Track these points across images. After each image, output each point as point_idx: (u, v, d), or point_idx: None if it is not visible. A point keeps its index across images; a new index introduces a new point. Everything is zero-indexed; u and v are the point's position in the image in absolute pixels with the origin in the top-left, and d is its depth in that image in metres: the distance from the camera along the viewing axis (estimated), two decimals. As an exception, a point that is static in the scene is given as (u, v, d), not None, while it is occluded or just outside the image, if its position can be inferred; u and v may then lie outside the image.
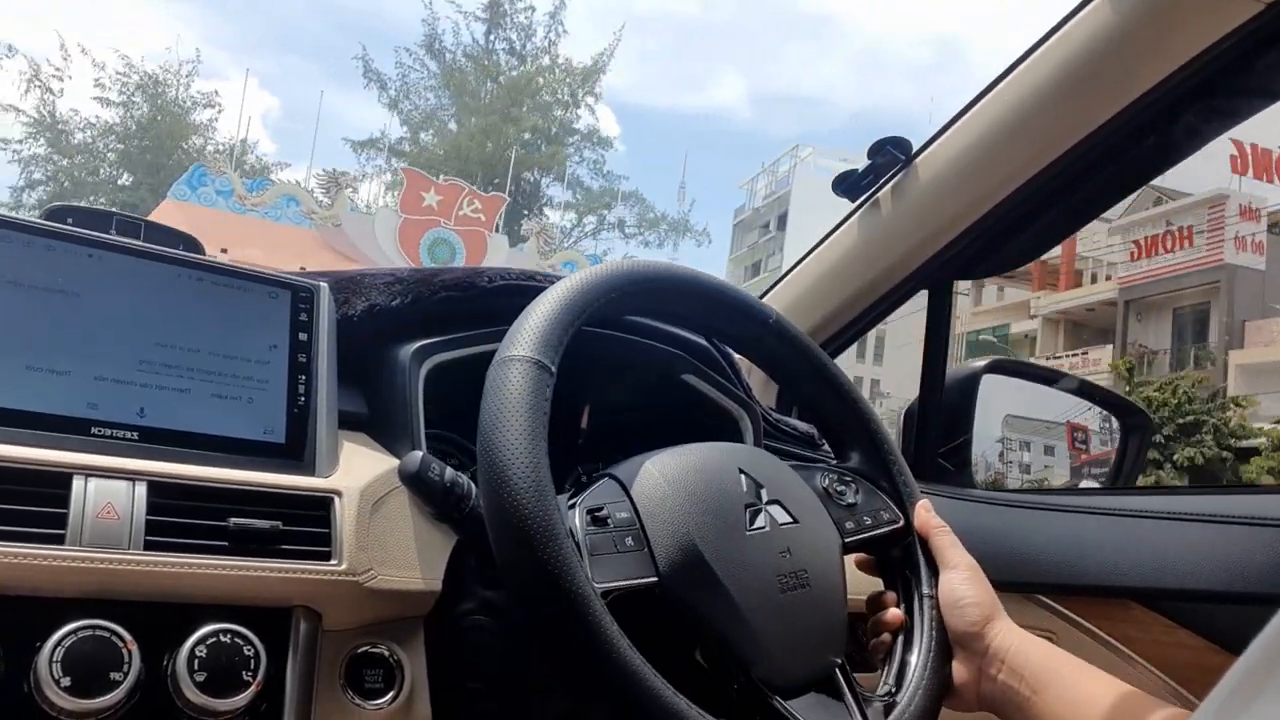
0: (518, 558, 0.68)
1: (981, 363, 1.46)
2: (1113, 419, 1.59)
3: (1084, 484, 1.74)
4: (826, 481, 0.91)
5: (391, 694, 0.80)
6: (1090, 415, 1.64)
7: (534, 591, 0.68)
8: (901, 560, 0.91)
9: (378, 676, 0.80)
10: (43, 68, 24.84)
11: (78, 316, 0.78)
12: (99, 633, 0.66)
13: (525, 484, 0.69)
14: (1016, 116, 1.19)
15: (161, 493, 0.73)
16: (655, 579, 0.75)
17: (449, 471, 0.82)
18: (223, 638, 0.71)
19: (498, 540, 0.70)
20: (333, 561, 0.77)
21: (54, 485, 0.69)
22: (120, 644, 0.67)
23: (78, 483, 0.70)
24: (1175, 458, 18.36)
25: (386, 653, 0.81)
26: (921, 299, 1.42)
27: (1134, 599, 1.13)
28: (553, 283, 0.82)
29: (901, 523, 0.92)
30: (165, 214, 15.99)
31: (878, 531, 0.90)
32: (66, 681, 0.64)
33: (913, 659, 0.85)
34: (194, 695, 0.68)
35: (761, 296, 1.53)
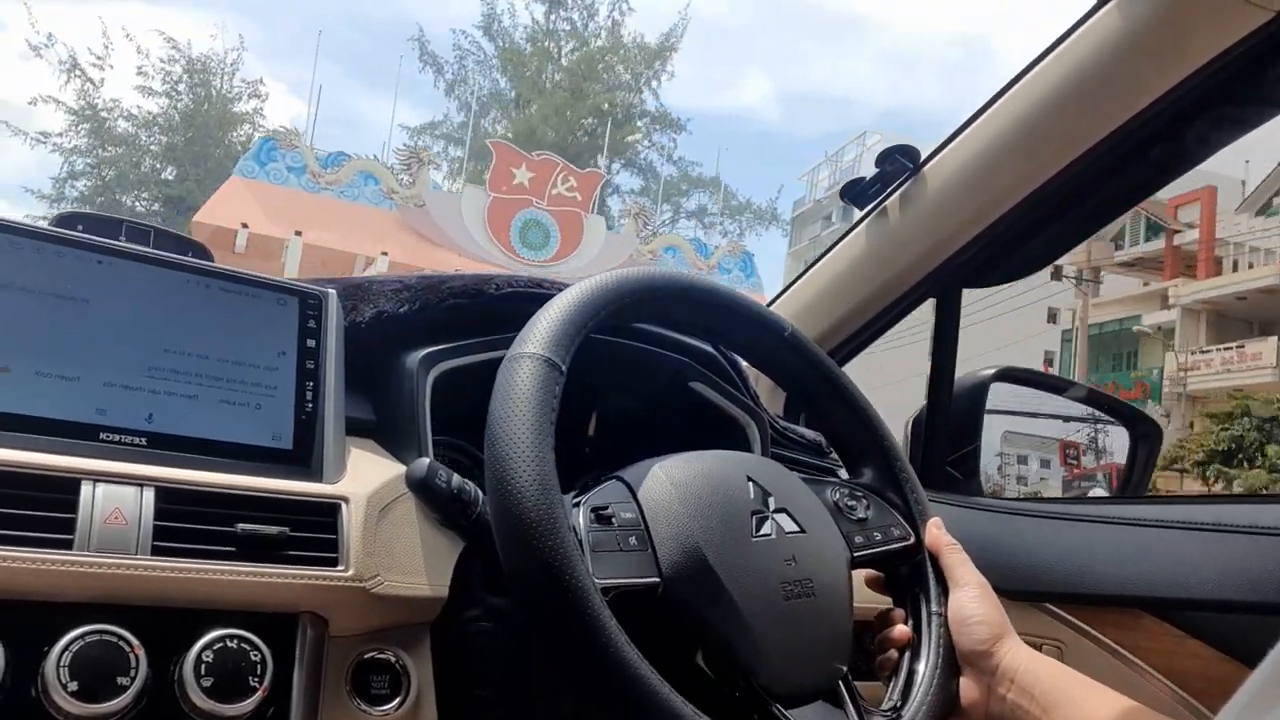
0: (519, 550, 0.68)
1: (990, 371, 1.46)
2: (1122, 428, 1.59)
3: (1093, 492, 1.74)
4: (837, 496, 0.91)
5: (398, 700, 0.80)
6: (1098, 424, 1.64)
7: (533, 583, 0.68)
8: (911, 577, 0.91)
9: (384, 683, 0.80)
10: (82, 56, 23.81)
11: (87, 322, 0.78)
12: (106, 637, 0.67)
13: (529, 476, 0.69)
14: (1025, 125, 1.19)
15: (169, 498, 0.73)
16: (658, 580, 0.75)
17: (456, 478, 0.82)
18: (229, 643, 0.71)
19: (500, 531, 0.70)
20: (339, 567, 0.77)
21: (63, 490, 0.69)
22: (127, 649, 0.67)
23: (86, 488, 0.70)
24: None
25: (393, 659, 0.81)
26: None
27: (1143, 608, 1.12)
28: (561, 290, 0.82)
29: (912, 540, 0.91)
30: (232, 193, 15.13)
31: (888, 548, 0.90)
32: (74, 686, 0.64)
33: (919, 675, 0.84)
34: (201, 700, 0.68)
35: (769, 304, 1.53)
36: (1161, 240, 23.94)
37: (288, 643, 0.75)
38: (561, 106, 24.86)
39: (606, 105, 25.46)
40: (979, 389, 1.44)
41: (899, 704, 0.82)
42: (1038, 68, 1.16)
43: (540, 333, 0.76)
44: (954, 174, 1.28)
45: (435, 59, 26.10)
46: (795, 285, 1.51)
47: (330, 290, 0.92)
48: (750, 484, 0.84)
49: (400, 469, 0.86)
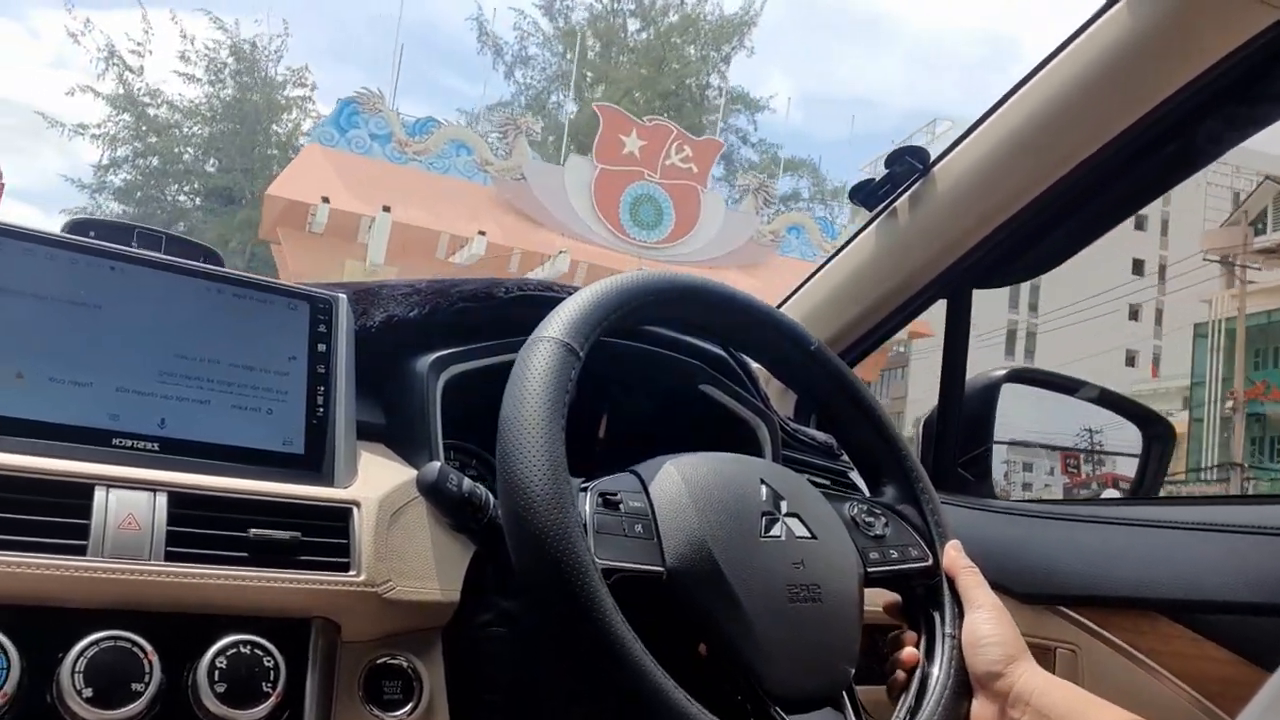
0: (522, 521, 0.69)
1: (1001, 371, 1.45)
2: (1135, 428, 1.58)
3: (1105, 494, 1.73)
4: (855, 511, 0.91)
5: (410, 705, 0.80)
6: (1111, 426, 1.63)
7: (534, 556, 0.68)
8: (926, 598, 0.90)
9: (396, 688, 0.80)
10: (121, 44, 22.74)
11: (99, 328, 0.78)
12: (120, 643, 0.67)
13: (537, 449, 0.70)
14: (1036, 125, 1.18)
15: (182, 503, 0.73)
16: (661, 569, 0.75)
17: (466, 482, 0.82)
18: (243, 649, 0.71)
19: (505, 503, 0.70)
20: (351, 572, 0.77)
21: (76, 496, 0.70)
22: (141, 655, 0.67)
23: (99, 494, 0.70)
24: None
25: (405, 664, 0.81)
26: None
27: (1158, 611, 1.11)
28: (570, 293, 0.82)
29: (930, 561, 0.91)
30: (309, 163, 13.66)
31: (904, 567, 0.89)
32: (88, 692, 0.64)
33: (929, 694, 0.84)
34: (214, 706, 0.68)
35: (779, 305, 1.52)
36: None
37: (300, 648, 0.75)
38: (630, 89, 22.55)
39: (675, 86, 23.44)
40: (991, 390, 1.43)
41: None
42: (1048, 67, 1.16)
43: (561, 319, 0.77)
44: (964, 175, 1.28)
45: (495, 40, 24.51)
46: (805, 286, 1.51)
47: (340, 294, 0.92)
48: (763, 486, 0.84)
49: (411, 473, 0.86)
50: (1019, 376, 1.48)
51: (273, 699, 0.71)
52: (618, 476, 0.81)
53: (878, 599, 0.93)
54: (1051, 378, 1.62)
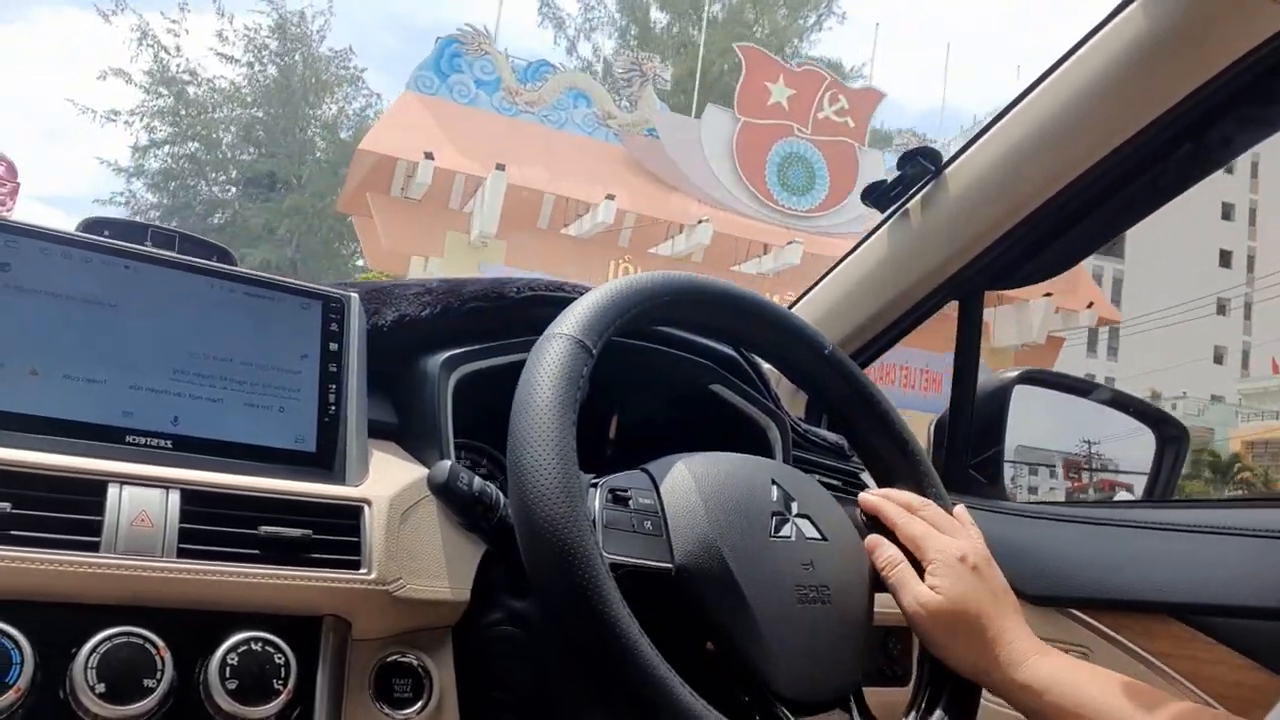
0: (529, 515, 0.69)
1: (1014, 373, 1.45)
2: (1149, 431, 1.57)
3: (1119, 496, 1.73)
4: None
5: (420, 703, 0.80)
6: (1123, 429, 1.62)
7: (541, 548, 0.68)
8: None
9: (406, 686, 0.80)
10: (156, 23, 22.56)
11: (113, 326, 0.79)
12: (133, 639, 0.67)
13: (547, 443, 0.70)
14: (1049, 126, 1.18)
15: (194, 501, 0.73)
16: (670, 566, 0.75)
17: (477, 481, 0.82)
18: (254, 646, 0.71)
19: (514, 494, 0.70)
20: (362, 570, 0.77)
21: (90, 493, 0.70)
22: (153, 651, 0.67)
23: (113, 490, 0.71)
24: None
25: (415, 662, 0.81)
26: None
27: (1171, 614, 1.10)
28: (581, 293, 0.82)
29: None
30: (405, 113, 11.81)
31: None
32: (101, 688, 0.65)
33: (941, 698, 0.84)
34: (225, 703, 0.69)
35: (791, 306, 1.52)
36: None
37: (311, 645, 0.75)
38: (707, 57, 19.91)
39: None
40: (1002, 391, 1.43)
41: None
42: (1061, 69, 1.15)
43: (574, 316, 0.77)
44: (977, 176, 1.27)
45: (556, 12, 23.11)
46: (817, 288, 1.51)
47: (352, 294, 0.92)
48: (774, 487, 0.84)
49: (422, 472, 0.86)
50: (1031, 378, 1.47)
51: (284, 696, 0.71)
52: (628, 474, 0.81)
53: (893, 602, 0.92)
54: (1064, 379, 1.61)
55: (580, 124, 12.50)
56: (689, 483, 0.80)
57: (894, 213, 1.39)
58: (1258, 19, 0.99)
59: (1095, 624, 1.17)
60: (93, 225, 0.85)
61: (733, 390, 1.13)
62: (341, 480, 0.82)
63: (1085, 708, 0.77)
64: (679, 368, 1.11)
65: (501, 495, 0.83)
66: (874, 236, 1.42)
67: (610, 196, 11.59)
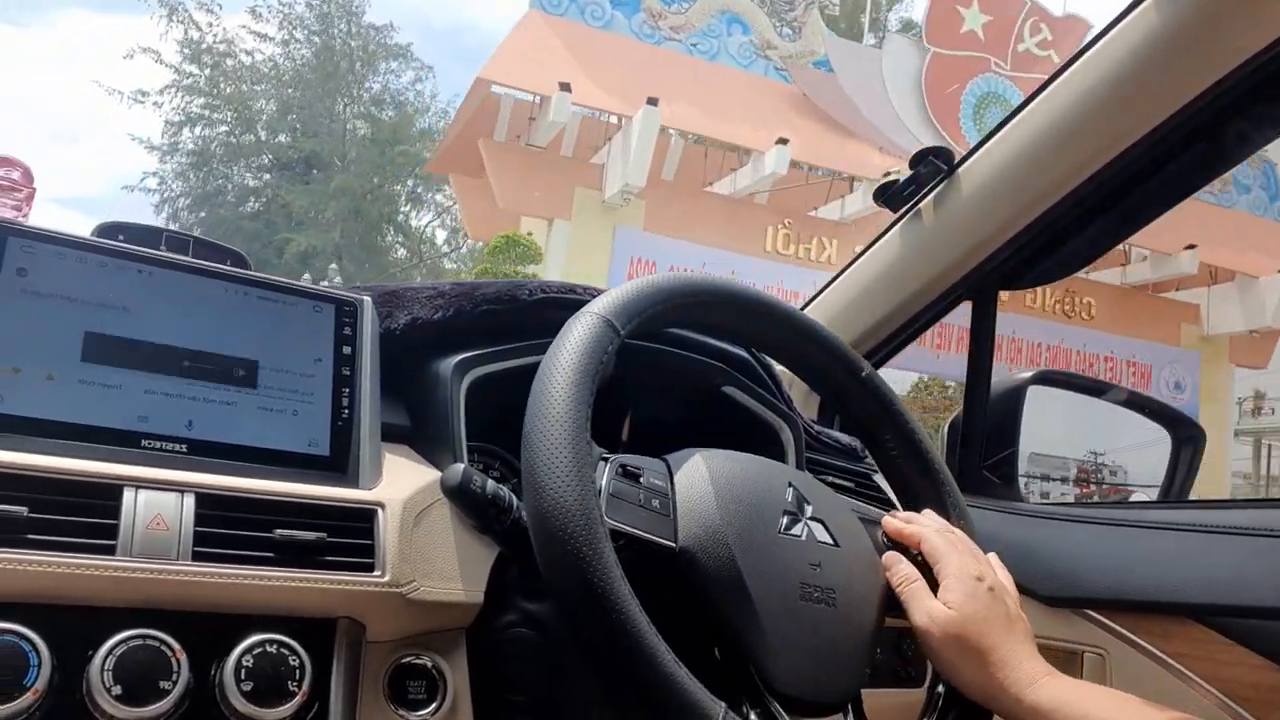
0: (534, 480, 0.69)
1: (1028, 373, 1.44)
2: (1164, 431, 1.56)
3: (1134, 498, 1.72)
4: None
5: (434, 705, 0.80)
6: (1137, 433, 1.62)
7: (550, 537, 0.68)
8: None
9: (420, 688, 0.80)
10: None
11: (129, 331, 0.79)
12: (149, 642, 0.67)
13: (562, 408, 0.70)
14: (1063, 124, 1.17)
15: (209, 504, 0.74)
16: (673, 545, 0.75)
17: (490, 484, 0.83)
18: (269, 648, 0.71)
19: (524, 455, 0.71)
20: (376, 573, 0.77)
21: (106, 497, 0.70)
22: (169, 653, 0.68)
23: (128, 494, 0.71)
24: None
25: (429, 664, 0.81)
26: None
27: (1189, 615, 1.10)
28: (594, 295, 0.82)
29: None
30: (530, 33, 9.96)
31: None
32: (117, 690, 0.65)
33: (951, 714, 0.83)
34: (241, 704, 0.69)
35: (803, 307, 1.52)
36: None
37: (326, 647, 0.76)
38: None
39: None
40: (1017, 392, 1.42)
41: None
42: (1074, 66, 1.15)
43: (606, 298, 0.78)
44: (990, 175, 1.27)
45: None
46: (830, 288, 1.50)
47: (365, 297, 0.93)
48: (790, 488, 0.84)
49: (435, 475, 0.86)
50: (1045, 379, 1.47)
51: (298, 697, 0.71)
52: (645, 458, 0.81)
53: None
54: (1079, 380, 1.60)
55: (735, 55, 10.29)
56: (703, 472, 0.80)
57: (906, 212, 1.38)
58: (1273, 15, 0.98)
59: (1111, 625, 1.16)
60: (108, 230, 0.85)
61: (745, 392, 1.13)
62: (355, 483, 0.83)
63: None
64: (692, 369, 1.11)
65: (515, 497, 0.83)
66: (886, 237, 1.42)
67: (782, 141, 9.46)
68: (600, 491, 0.73)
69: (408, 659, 0.81)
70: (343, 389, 0.87)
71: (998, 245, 1.30)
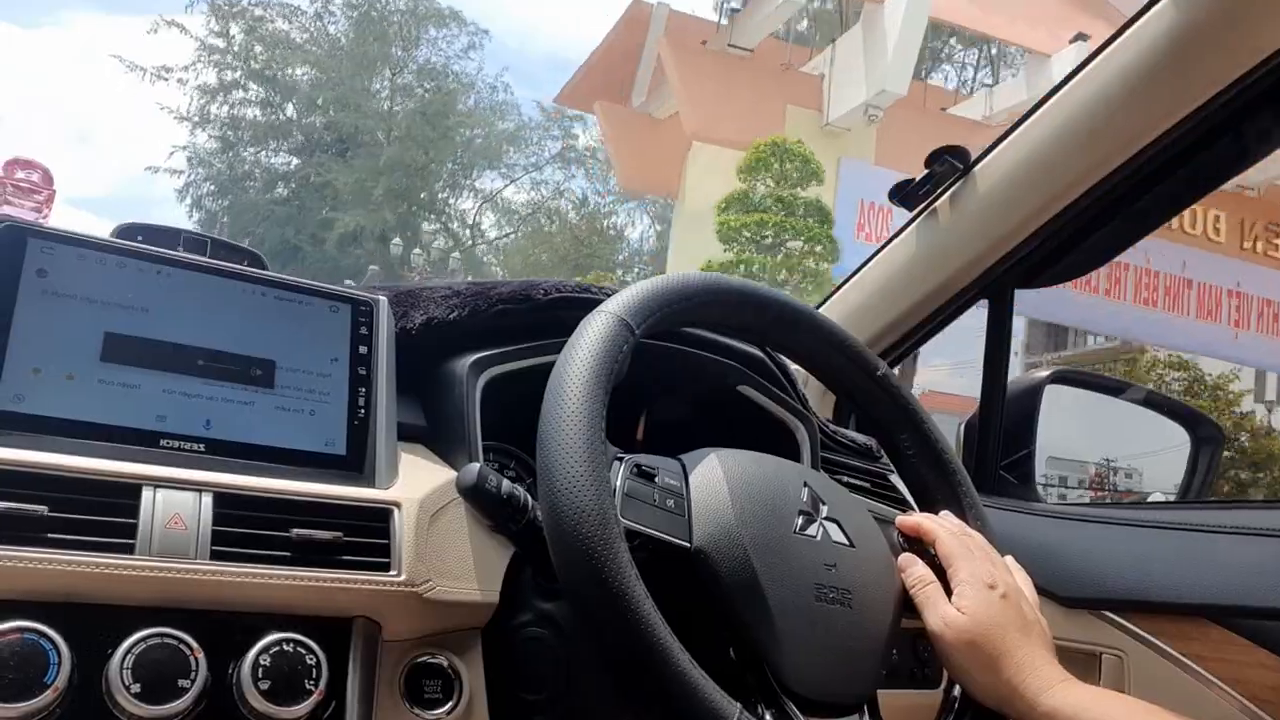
0: (549, 479, 0.69)
1: (1045, 373, 1.44)
2: (1183, 431, 1.55)
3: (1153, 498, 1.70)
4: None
5: (450, 704, 0.80)
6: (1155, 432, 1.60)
7: (566, 538, 0.68)
8: None
9: (436, 687, 0.81)
10: None
11: (147, 331, 0.80)
12: (167, 640, 0.68)
13: (576, 406, 0.70)
14: (1080, 122, 1.16)
15: (227, 504, 0.74)
16: (688, 545, 0.75)
17: (505, 483, 0.83)
18: (286, 647, 0.72)
19: (539, 455, 0.71)
20: (392, 572, 0.77)
21: (125, 496, 0.71)
22: (188, 652, 0.68)
23: (147, 493, 0.71)
24: None
25: (445, 663, 0.82)
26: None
27: (1209, 617, 1.09)
28: (609, 295, 0.82)
29: None
30: None
31: None
32: (136, 688, 0.66)
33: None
34: (258, 703, 0.69)
35: (819, 305, 1.51)
36: None
37: (342, 647, 0.76)
38: None
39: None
40: (1033, 392, 1.41)
41: None
42: (1092, 64, 1.14)
43: (621, 297, 0.78)
44: (1006, 174, 1.26)
45: None
46: (845, 287, 1.50)
47: (381, 297, 0.93)
48: (805, 488, 0.83)
49: (451, 474, 0.86)
50: (1062, 378, 1.46)
51: (315, 696, 0.72)
52: (659, 458, 0.81)
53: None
54: (1096, 379, 1.59)
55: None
56: (718, 472, 0.80)
57: (922, 211, 1.38)
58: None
59: (1130, 627, 1.15)
60: (127, 231, 0.86)
61: (760, 391, 1.13)
62: (371, 483, 0.83)
63: None
64: (706, 368, 1.10)
65: (530, 497, 0.83)
66: (902, 235, 1.41)
67: (1082, 36, 7.44)
68: (615, 491, 0.73)
69: (423, 658, 0.81)
70: (359, 389, 0.87)
71: (1014, 244, 1.29)
